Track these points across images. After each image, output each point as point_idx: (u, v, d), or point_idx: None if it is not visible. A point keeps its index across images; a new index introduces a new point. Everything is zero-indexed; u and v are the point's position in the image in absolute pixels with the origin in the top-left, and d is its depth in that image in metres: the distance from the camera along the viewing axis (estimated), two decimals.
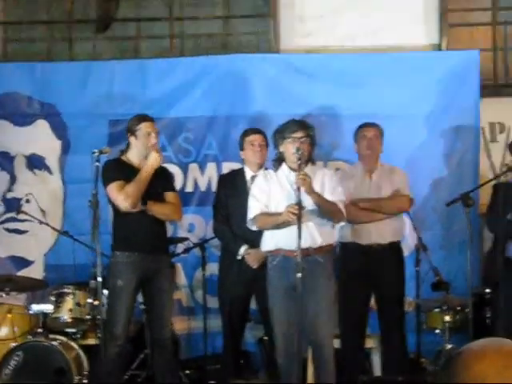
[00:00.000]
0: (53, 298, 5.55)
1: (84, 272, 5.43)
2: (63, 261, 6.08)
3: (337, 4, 6.69)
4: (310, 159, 4.84)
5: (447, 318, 5.37)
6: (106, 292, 5.10)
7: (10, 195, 6.48)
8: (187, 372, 5.83)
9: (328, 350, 4.78)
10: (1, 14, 7.23)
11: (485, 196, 5.71)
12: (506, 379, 1.43)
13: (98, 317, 4.94)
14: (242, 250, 5.34)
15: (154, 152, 5.01)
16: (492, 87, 6.67)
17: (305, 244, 4.52)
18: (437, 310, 5.46)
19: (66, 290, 5.56)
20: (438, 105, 6.22)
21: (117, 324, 5.01)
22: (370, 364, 5.73)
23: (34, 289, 6.02)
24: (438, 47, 6.67)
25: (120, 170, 5.07)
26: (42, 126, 6.46)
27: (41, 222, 6.05)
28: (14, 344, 5.41)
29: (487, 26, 6.89)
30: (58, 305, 5.53)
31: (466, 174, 6.19)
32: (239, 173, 5.58)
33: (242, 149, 5.54)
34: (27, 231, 6.41)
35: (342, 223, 4.91)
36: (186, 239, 5.97)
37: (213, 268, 5.86)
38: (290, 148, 4.75)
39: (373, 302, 5.49)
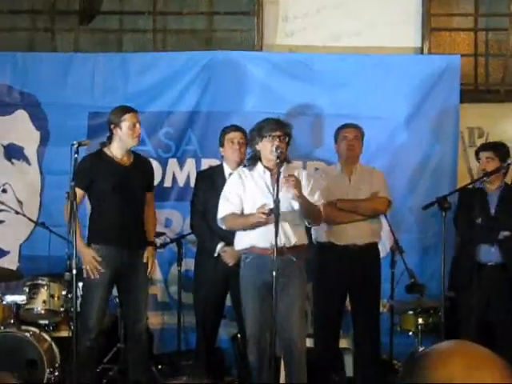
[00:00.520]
0: (27, 289, 5.49)
1: (59, 264, 5.38)
2: (39, 252, 6.02)
3: (321, 4, 6.68)
4: (285, 158, 4.82)
5: (420, 321, 5.39)
6: (80, 284, 5.08)
7: None
8: (160, 367, 5.81)
9: (300, 349, 4.79)
10: None
11: None
12: (472, 380, 1.44)
13: (72, 309, 4.92)
14: (219, 247, 5.35)
15: None
16: (472, 92, 6.71)
17: (279, 243, 4.51)
18: (411, 312, 5.48)
19: (40, 282, 5.52)
20: (418, 107, 6.23)
21: (90, 317, 5.00)
22: (343, 364, 5.75)
23: (8, 279, 5.94)
24: (420, 50, 6.69)
25: (91, 172, 5.05)
26: (21, 116, 6.39)
27: (17, 213, 5.98)
28: None
29: (469, 31, 6.94)
30: (31, 296, 5.48)
31: (444, 178, 6.21)
32: (218, 169, 5.57)
33: (221, 145, 5.54)
34: (3, 221, 6.35)
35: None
36: (162, 234, 5.95)
37: (189, 264, 5.85)
38: (268, 146, 4.72)
39: (347, 302, 5.51)
